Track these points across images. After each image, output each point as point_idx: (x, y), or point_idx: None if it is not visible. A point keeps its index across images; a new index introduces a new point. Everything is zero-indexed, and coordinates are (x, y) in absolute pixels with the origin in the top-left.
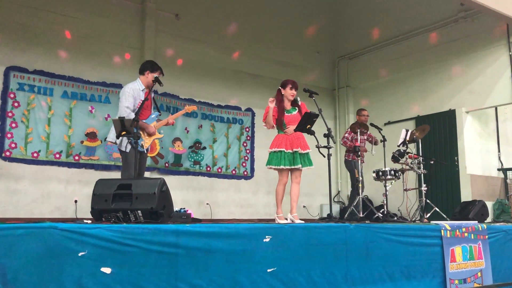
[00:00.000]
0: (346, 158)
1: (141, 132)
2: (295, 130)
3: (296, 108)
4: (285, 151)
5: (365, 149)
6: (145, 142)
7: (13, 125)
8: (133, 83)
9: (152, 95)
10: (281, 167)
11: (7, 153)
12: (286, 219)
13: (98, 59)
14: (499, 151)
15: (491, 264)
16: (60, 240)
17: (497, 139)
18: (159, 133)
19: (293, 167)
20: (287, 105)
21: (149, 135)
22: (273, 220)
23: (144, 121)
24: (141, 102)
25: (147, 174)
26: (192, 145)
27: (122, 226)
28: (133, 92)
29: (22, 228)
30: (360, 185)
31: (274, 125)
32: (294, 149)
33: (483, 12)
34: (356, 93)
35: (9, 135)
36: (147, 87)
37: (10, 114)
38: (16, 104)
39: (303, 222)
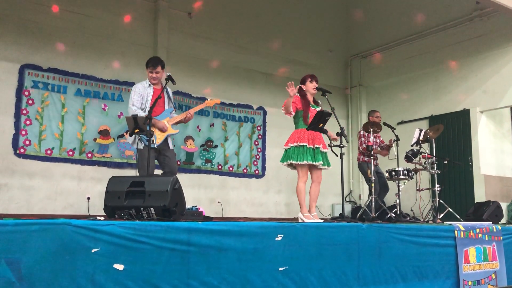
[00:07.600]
0: (357, 161)
1: (153, 129)
2: (308, 129)
3: (319, 107)
4: (307, 146)
5: (384, 153)
6: (157, 138)
7: (27, 122)
8: (142, 82)
9: (165, 92)
10: (304, 162)
11: (21, 150)
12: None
13: (111, 57)
14: None
15: (506, 266)
16: (73, 237)
17: None
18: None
19: (315, 163)
20: (311, 99)
21: (160, 130)
22: (284, 219)
23: (155, 117)
24: (153, 100)
25: (157, 172)
26: (204, 144)
27: (135, 223)
28: (139, 90)
29: (37, 224)
30: (373, 185)
31: (292, 113)
32: (316, 145)
33: (498, 11)
34: (369, 92)
35: (23, 132)
36: (152, 83)
37: (24, 112)
38: (30, 102)
39: (322, 221)
